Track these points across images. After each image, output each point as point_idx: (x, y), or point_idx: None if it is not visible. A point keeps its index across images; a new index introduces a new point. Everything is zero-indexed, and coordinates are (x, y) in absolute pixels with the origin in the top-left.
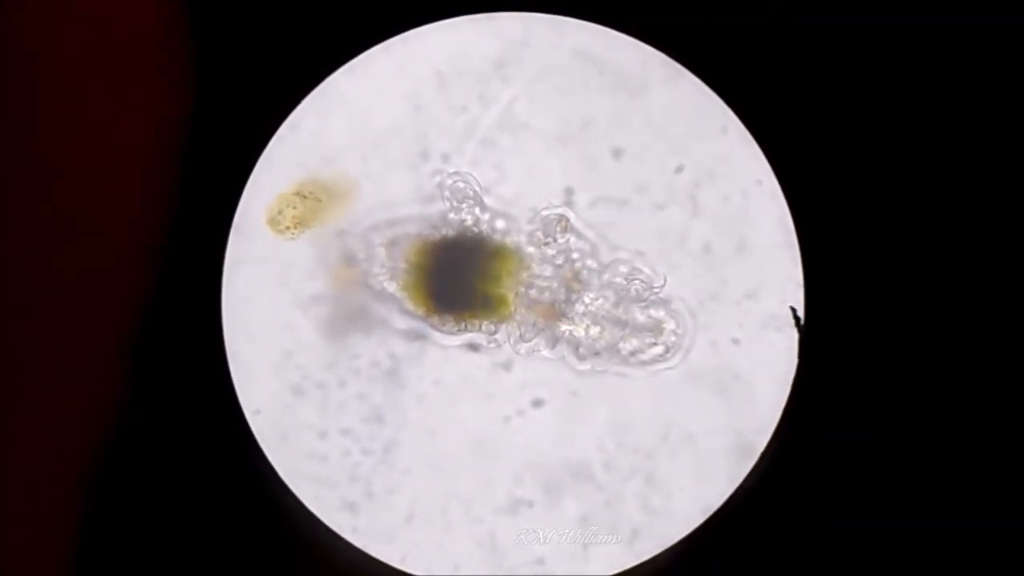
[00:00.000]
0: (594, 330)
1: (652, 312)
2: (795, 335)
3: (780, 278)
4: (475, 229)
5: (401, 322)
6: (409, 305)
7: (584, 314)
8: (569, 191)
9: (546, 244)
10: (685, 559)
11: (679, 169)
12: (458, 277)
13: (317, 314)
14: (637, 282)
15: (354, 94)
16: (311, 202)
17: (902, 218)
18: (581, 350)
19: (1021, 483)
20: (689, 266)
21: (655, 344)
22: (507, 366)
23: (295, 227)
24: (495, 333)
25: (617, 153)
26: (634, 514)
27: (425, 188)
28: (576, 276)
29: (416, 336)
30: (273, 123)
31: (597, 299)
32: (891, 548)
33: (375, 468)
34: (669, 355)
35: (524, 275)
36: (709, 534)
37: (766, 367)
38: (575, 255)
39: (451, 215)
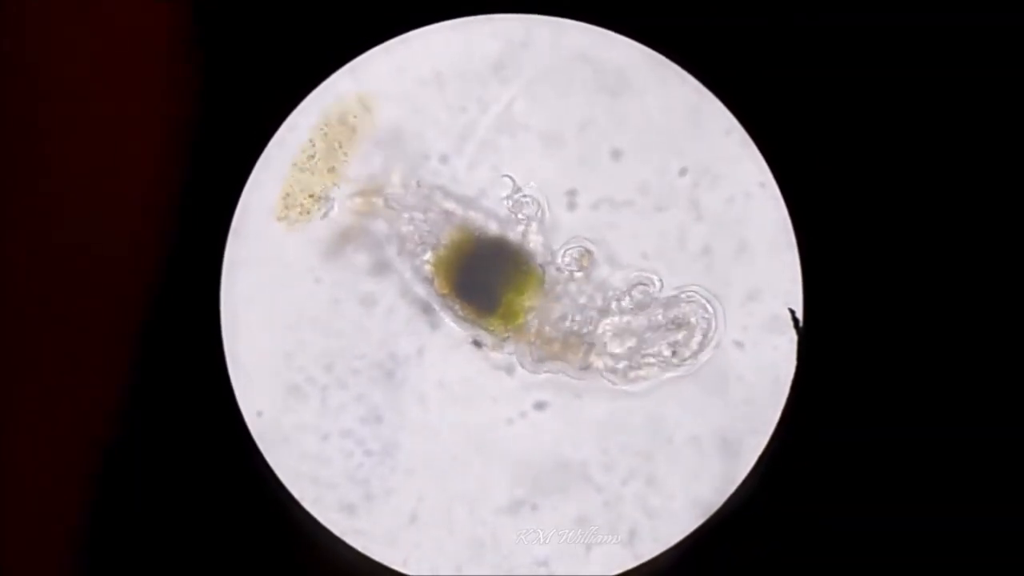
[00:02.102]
0: (617, 347)
1: (671, 309)
2: (794, 336)
3: (780, 279)
4: (519, 240)
5: (419, 289)
6: (430, 277)
7: (604, 335)
8: (571, 193)
9: (571, 276)
10: (685, 560)
11: (683, 172)
12: (487, 274)
13: (336, 218)
14: (640, 287)
15: (354, 94)
16: (320, 175)
17: (901, 218)
18: (611, 369)
19: (1021, 483)
20: (689, 268)
21: (691, 336)
22: (509, 369)
23: (306, 211)
24: (505, 338)
25: (616, 154)
26: (633, 515)
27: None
28: (585, 330)
29: (425, 309)
30: (273, 124)
31: (615, 317)
32: (891, 548)
33: (375, 469)
34: (710, 339)
35: (544, 297)
36: (709, 534)
37: (766, 368)
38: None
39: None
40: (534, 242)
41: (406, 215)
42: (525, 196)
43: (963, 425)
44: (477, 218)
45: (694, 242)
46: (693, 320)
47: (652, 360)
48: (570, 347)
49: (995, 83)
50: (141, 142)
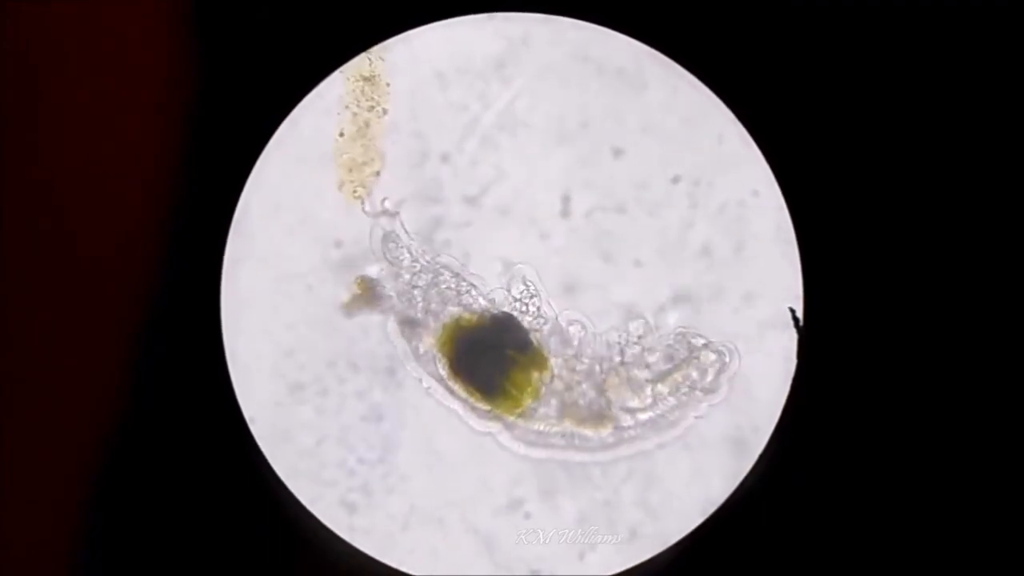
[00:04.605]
0: (633, 402)
1: (669, 350)
2: (794, 335)
3: (779, 278)
4: (525, 327)
5: (413, 368)
6: (433, 355)
7: (617, 397)
8: (567, 191)
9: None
10: (684, 558)
11: (675, 180)
12: (488, 358)
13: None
14: (634, 339)
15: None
16: (361, 142)
17: (901, 218)
18: (639, 426)
19: (1021, 483)
20: (688, 267)
21: (702, 366)
22: None
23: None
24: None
25: (617, 152)
26: (633, 514)
27: (426, 190)
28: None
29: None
30: (273, 122)
31: (620, 374)
32: (891, 548)
33: (374, 467)
34: (726, 358)
35: (549, 383)
36: (708, 533)
37: (765, 367)
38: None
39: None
40: (539, 333)
41: (408, 282)
42: (527, 300)
43: (963, 425)
44: (483, 301)
45: (693, 240)
46: (696, 343)
47: (675, 401)
48: (588, 421)
49: (997, 85)
50: (142, 141)
